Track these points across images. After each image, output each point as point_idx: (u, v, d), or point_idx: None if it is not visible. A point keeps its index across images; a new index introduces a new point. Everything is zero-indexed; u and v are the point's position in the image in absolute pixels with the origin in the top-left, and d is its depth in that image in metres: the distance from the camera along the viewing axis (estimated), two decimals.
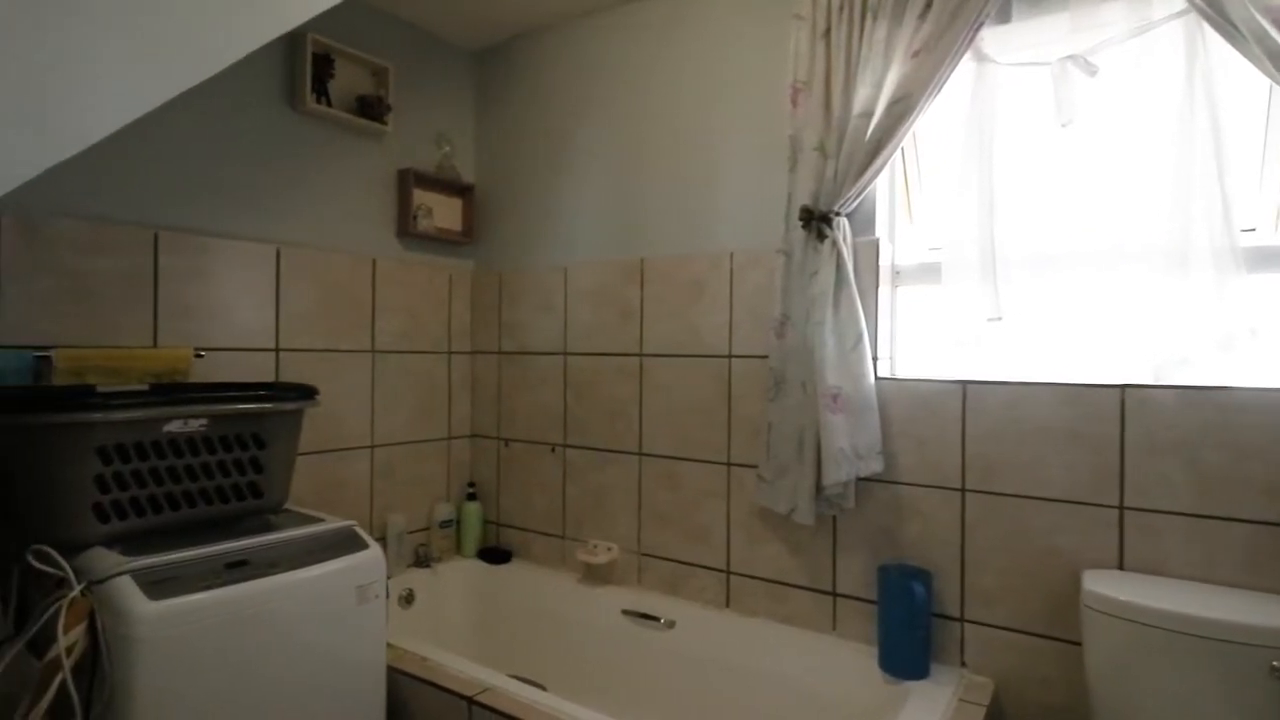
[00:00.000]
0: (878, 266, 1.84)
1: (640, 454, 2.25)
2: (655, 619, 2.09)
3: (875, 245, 1.84)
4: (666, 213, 2.21)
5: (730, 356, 2.06)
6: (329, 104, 2.18)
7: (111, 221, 1.75)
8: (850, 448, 1.72)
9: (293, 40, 2.09)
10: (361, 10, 2.29)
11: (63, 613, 1.21)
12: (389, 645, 1.68)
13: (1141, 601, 1.39)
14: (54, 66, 0.93)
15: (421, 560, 2.43)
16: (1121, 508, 1.55)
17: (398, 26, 2.42)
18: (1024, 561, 1.65)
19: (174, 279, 1.85)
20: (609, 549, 2.28)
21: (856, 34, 1.78)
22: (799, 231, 1.85)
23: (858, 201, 1.79)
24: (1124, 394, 1.55)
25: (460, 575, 2.47)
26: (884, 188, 1.90)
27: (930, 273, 1.85)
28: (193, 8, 1.08)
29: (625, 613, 2.15)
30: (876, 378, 1.78)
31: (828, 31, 1.83)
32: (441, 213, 2.56)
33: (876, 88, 1.73)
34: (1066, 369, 1.66)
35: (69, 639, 1.21)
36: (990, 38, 1.70)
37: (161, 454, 1.46)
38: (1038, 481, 1.63)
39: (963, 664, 1.71)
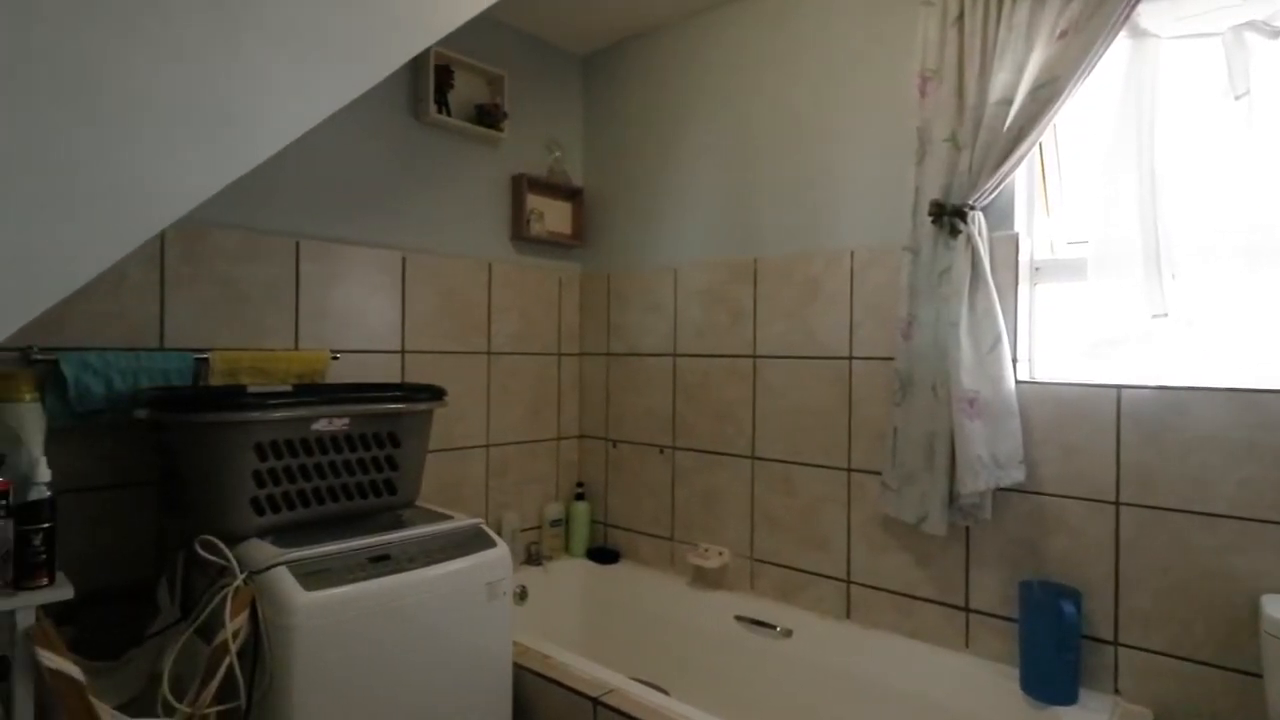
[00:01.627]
0: (1016, 263, 1.73)
1: (752, 457, 2.20)
2: (771, 627, 2.04)
3: (1014, 240, 1.73)
4: (781, 211, 2.16)
5: (850, 358, 1.99)
6: (449, 114, 2.25)
7: (259, 231, 1.86)
8: (989, 455, 1.62)
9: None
10: (478, 21, 2.34)
11: (229, 600, 1.29)
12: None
13: None
14: (233, 87, 0.99)
15: (533, 558, 2.47)
16: None
17: (511, 35, 2.47)
18: (1189, 582, 1.50)
19: (313, 284, 1.96)
20: (720, 553, 2.25)
21: (993, 17, 1.69)
22: (928, 227, 1.76)
23: (995, 194, 1.69)
24: None
25: (571, 574, 2.50)
26: (1021, 178, 1.78)
27: (1073, 268, 1.73)
28: (351, 27, 1.13)
29: (739, 619, 2.11)
30: (1016, 381, 1.68)
31: (960, 16, 1.74)
32: (552, 216, 2.60)
33: (1017, 72, 1.63)
34: (1241, 372, 1.50)
35: (234, 625, 1.28)
36: (1149, 11, 1.57)
37: (309, 451, 1.53)
38: (1206, 496, 1.49)
39: (1116, 691, 1.59)
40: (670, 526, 2.43)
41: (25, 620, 1.17)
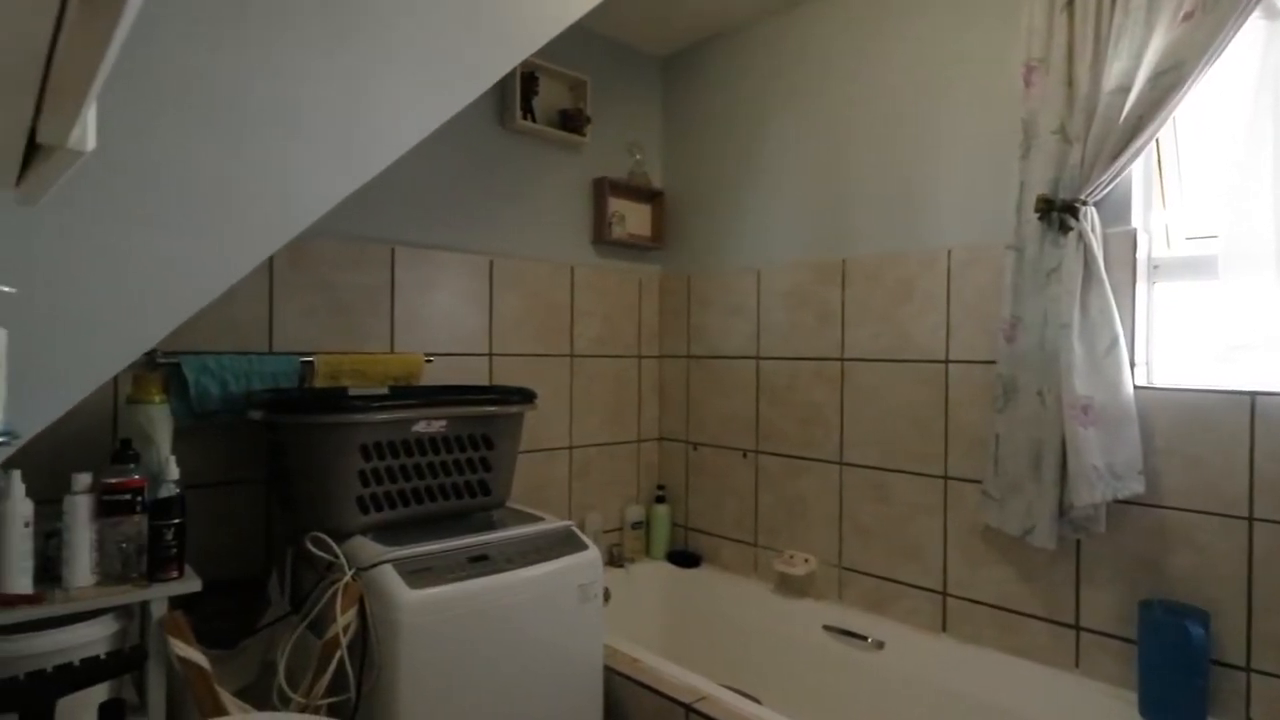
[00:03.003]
0: (1134, 261, 1.62)
1: (841, 463, 2.15)
2: (861, 638, 1.99)
3: (1131, 237, 1.63)
4: (871, 209, 2.10)
5: (947, 362, 1.91)
6: (534, 120, 2.28)
7: (357, 239, 1.93)
8: (1105, 465, 1.53)
9: None
10: None
11: (339, 595, 1.34)
12: None
13: None
14: (359, 102, 1.02)
15: (615, 560, 2.48)
16: None
17: (592, 39, 2.49)
18: None
19: (407, 289, 2.02)
20: (806, 560, 2.20)
21: (1108, 1, 1.59)
22: (1034, 224, 1.68)
23: (1109, 188, 1.60)
24: None
25: (652, 577, 2.49)
26: (1138, 170, 1.67)
27: (1195, 266, 1.62)
28: (463, 42, 1.15)
29: (827, 628, 2.06)
30: (1135, 387, 1.58)
31: (1070, 2, 1.65)
32: (632, 219, 2.60)
33: (1135, 59, 1.53)
34: None
35: (344, 620, 1.33)
36: None
37: (409, 452, 1.57)
38: None
39: None
40: (753, 531, 2.39)
41: (158, 611, 1.24)
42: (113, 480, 1.26)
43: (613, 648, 1.79)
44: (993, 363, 1.78)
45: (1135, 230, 1.63)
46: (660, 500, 2.63)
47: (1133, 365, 1.59)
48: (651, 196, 2.66)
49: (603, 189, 2.48)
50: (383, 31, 1.03)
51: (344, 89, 1.01)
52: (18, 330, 0.74)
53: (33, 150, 0.59)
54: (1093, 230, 1.60)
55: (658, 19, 2.44)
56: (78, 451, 1.45)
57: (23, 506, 1.18)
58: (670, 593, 2.48)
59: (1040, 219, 1.66)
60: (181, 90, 0.92)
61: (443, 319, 2.10)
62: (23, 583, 1.18)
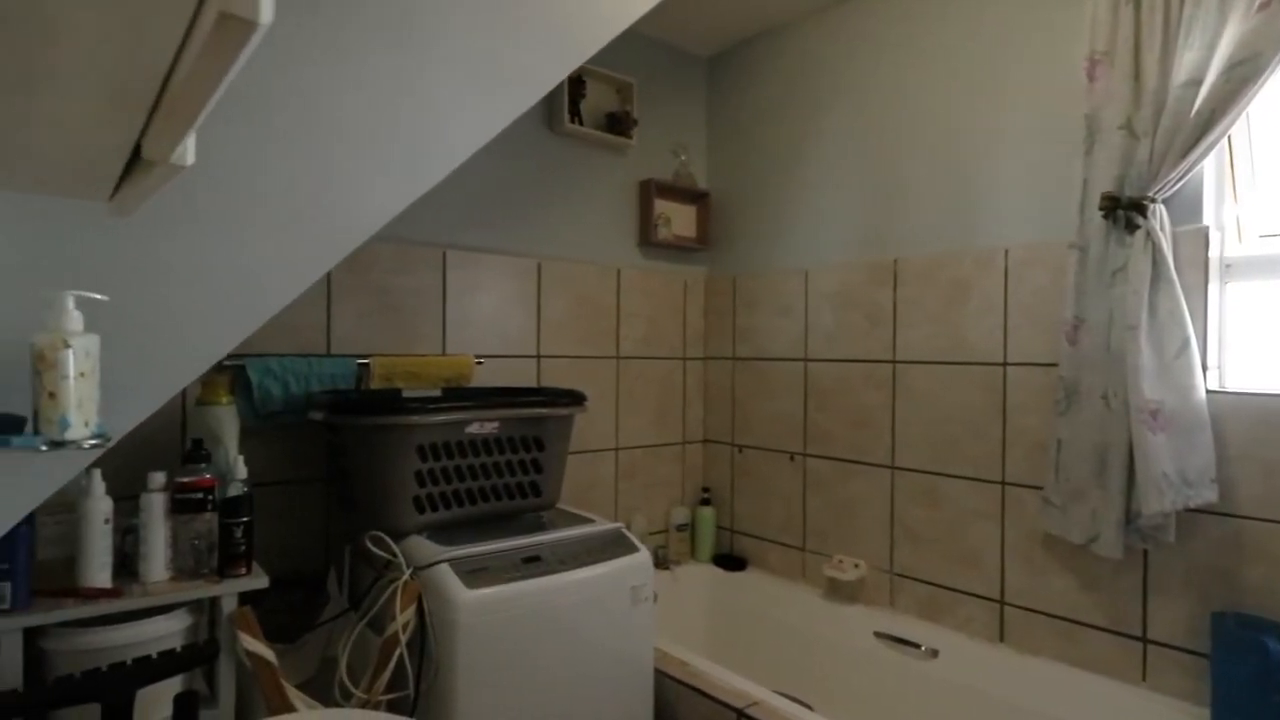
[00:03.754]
0: (1206, 260, 1.56)
1: (892, 467, 2.11)
2: (915, 646, 1.95)
3: (1203, 235, 1.57)
4: (924, 209, 2.06)
5: (1005, 364, 1.87)
6: (581, 123, 2.29)
7: (411, 243, 1.96)
8: (1175, 472, 1.47)
9: None
10: None
11: (398, 594, 1.37)
12: None
13: None
14: (419, 117, 1.04)
15: (660, 562, 2.48)
16: None
17: (638, 41, 2.49)
18: None
19: (458, 292, 2.05)
20: (856, 565, 2.17)
21: None
22: (1098, 222, 1.63)
23: (1179, 184, 1.54)
24: None
25: (698, 580, 2.48)
26: (1210, 166, 1.61)
27: (1273, 265, 1.55)
28: (518, 52, 1.16)
29: (878, 635, 2.03)
30: (1207, 391, 1.52)
31: None
32: (678, 220, 2.60)
33: (1208, 50, 1.48)
34: None
35: (404, 618, 1.35)
36: None
37: (463, 453, 1.60)
38: None
39: None
40: (801, 535, 2.37)
41: (228, 606, 1.28)
42: (185, 479, 1.30)
43: (662, 650, 1.79)
44: (1053, 365, 1.73)
45: (1207, 228, 1.57)
46: (705, 503, 2.62)
47: (1205, 368, 1.53)
48: (697, 198, 2.66)
49: (649, 191, 2.48)
50: (441, 42, 1.05)
51: (405, 101, 1.03)
52: (108, 337, 0.77)
53: (131, 164, 0.61)
54: (1161, 229, 1.54)
55: (703, 18, 2.43)
56: (150, 451, 1.50)
57: (103, 504, 1.23)
58: (716, 596, 2.47)
59: (1105, 217, 1.61)
60: (256, 103, 0.95)
61: (492, 321, 2.13)
62: (102, 577, 1.23)
